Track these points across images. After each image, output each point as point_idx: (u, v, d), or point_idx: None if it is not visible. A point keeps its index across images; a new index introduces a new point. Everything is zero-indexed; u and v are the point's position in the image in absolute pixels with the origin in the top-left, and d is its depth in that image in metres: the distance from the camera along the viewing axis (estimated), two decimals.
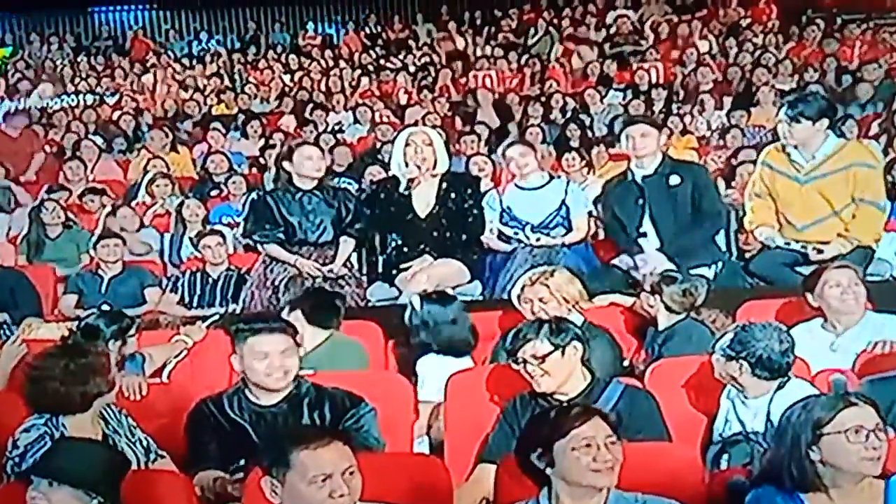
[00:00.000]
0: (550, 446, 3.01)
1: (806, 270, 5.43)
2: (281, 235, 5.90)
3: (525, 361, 3.76)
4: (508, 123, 10.90)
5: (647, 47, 13.96)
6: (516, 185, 6.12)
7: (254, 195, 6.64)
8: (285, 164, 5.91)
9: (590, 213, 6.31)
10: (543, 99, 11.86)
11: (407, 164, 5.95)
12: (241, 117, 11.72)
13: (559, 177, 6.42)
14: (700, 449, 3.92)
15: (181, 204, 7.66)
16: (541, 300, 4.65)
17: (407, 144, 5.98)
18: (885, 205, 5.63)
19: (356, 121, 11.77)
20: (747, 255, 6.09)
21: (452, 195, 5.97)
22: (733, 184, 7.58)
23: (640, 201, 5.64)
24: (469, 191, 6.05)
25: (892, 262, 5.76)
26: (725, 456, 3.80)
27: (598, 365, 4.05)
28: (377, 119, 11.55)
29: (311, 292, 4.96)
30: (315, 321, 4.68)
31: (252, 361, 3.64)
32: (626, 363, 4.75)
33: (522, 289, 4.75)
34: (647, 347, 4.77)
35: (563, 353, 3.75)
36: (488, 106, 11.04)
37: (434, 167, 5.96)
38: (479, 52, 14.85)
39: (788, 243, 5.58)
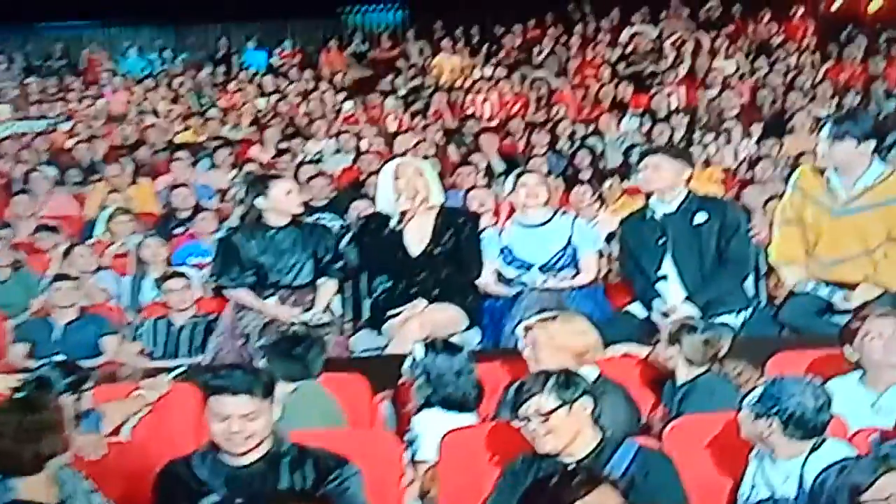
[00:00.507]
0: None
1: (838, 319, 5.52)
2: (251, 279, 5.99)
3: (528, 419, 3.81)
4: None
5: (667, 68, 14.07)
6: (517, 221, 6.20)
7: (220, 235, 6.70)
8: (258, 201, 5.99)
9: (600, 253, 6.40)
10: (550, 126, 11.99)
11: (398, 198, 6.03)
12: (210, 145, 11.76)
13: (565, 212, 6.50)
14: None
15: (140, 243, 7.70)
16: (533, 346, 4.69)
17: (396, 176, 6.07)
18: None
19: (339, 150, 11.88)
20: (776, 302, 6.15)
21: (449, 232, 6.05)
22: (757, 220, 7.63)
23: (662, 241, 5.72)
24: (467, 228, 6.13)
25: None
26: None
27: (609, 424, 4.10)
28: (363, 148, 11.65)
29: (274, 340, 4.99)
30: (277, 373, 4.70)
31: (212, 422, 3.67)
32: (642, 421, 4.81)
33: (526, 331, 4.81)
34: (664, 403, 4.81)
35: (570, 409, 3.80)
36: (493, 153, 11.07)
37: (427, 200, 6.05)
38: (477, 74, 14.98)
39: (816, 288, 5.66)
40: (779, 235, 5.88)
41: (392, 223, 6.08)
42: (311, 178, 9.56)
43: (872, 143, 5.56)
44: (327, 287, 6.06)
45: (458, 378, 4.71)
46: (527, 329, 4.79)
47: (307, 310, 5.94)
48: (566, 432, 3.80)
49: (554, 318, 4.80)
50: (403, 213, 6.05)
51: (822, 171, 5.71)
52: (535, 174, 6.37)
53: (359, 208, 8.06)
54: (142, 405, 5.06)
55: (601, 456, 3.79)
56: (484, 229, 6.27)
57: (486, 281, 6.11)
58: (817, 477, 3.17)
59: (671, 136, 11.04)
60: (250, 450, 3.68)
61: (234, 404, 3.61)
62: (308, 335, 5.08)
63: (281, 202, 5.99)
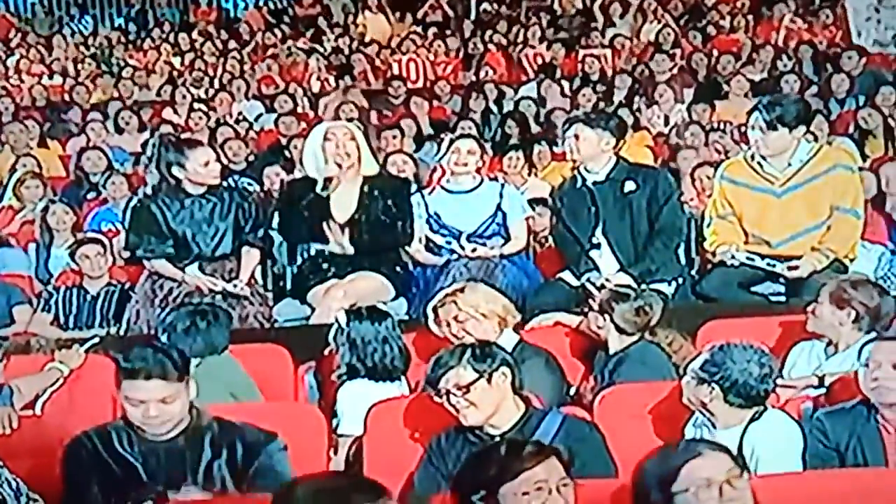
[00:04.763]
0: (496, 489, 3.10)
1: (764, 289, 5.65)
2: (170, 250, 5.94)
3: (448, 392, 3.85)
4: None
5: (596, 31, 14.13)
6: (444, 187, 6.22)
7: (134, 201, 6.61)
8: (175, 170, 5.93)
9: (533, 220, 6.44)
10: (479, 89, 12.01)
11: (326, 162, 6.00)
12: (120, 106, 11.64)
13: (493, 179, 6.52)
14: None
15: (46, 209, 7.58)
16: (456, 319, 4.78)
17: (326, 139, 6.02)
18: (862, 213, 5.81)
19: (262, 112, 11.79)
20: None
21: (377, 199, 6.03)
22: (690, 187, 7.73)
23: (593, 209, 5.78)
24: (396, 195, 6.10)
25: (871, 278, 5.94)
26: None
27: (533, 390, 4.18)
28: (286, 109, 11.58)
29: (174, 315, 4.92)
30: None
31: (128, 406, 3.64)
32: (572, 390, 4.87)
33: (435, 311, 4.88)
34: (595, 373, 4.88)
35: (489, 380, 3.85)
36: (423, 117, 11.06)
37: (357, 165, 6.01)
38: (404, 33, 14.94)
39: (752, 258, 5.74)
40: (711, 230, 5.94)
41: (318, 188, 6.04)
42: (227, 139, 9.55)
43: (803, 128, 5.71)
44: (251, 256, 6.03)
45: (383, 345, 4.71)
46: (440, 305, 4.85)
47: (229, 280, 5.91)
48: (488, 404, 3.84)
49: (462, 288, 4.89)
50: (329, 179, 6.01)
51: (752, 158, 5.82)
52: (470, 140, 6.39)
53: (273, 173, 8.05)
54: (55, 378, 5.02)
55: (527, 426, 3.85)
56: (412, 195, 6.25)
57: (415, 249, 6.12)
58: (642, 463, 3.24)
59: (600, 101, 11.09)
60: (166, 431, 3.68)
61: (148, 389, 3.59)
62: (209, 309, 5.01)
63: (199, 174, 5.94)
